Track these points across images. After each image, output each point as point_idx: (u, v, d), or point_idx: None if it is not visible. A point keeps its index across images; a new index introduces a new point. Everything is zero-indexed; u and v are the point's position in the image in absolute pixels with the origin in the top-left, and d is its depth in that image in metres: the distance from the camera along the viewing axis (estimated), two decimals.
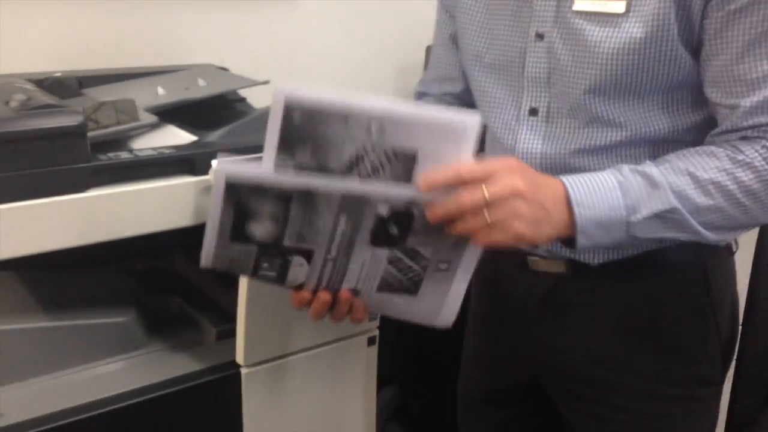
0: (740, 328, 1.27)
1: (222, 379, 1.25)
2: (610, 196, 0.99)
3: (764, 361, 2.49)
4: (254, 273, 1.01)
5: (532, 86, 1.14)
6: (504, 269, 1.26)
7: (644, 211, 0.99)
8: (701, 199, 0.99)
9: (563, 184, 1.00)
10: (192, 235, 1.25)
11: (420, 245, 0.98)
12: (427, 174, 0.93)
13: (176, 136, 1.30)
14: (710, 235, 1.02)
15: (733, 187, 0.99)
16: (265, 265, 0.99)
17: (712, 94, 1.04)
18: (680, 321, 1.17)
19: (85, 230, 1.15)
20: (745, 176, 0.99)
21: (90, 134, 1.17)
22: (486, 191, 0.92)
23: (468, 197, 0.92)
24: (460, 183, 0.93)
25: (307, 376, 1.32)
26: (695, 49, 1.03)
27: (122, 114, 1.23)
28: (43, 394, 1.20)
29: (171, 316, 1.42)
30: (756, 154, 0.99)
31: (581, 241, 1.00)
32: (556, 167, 1.13)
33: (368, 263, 0.99)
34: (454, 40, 1.29)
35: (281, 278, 1.01)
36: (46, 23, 1.67)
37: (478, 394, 1.40)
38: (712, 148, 1.03)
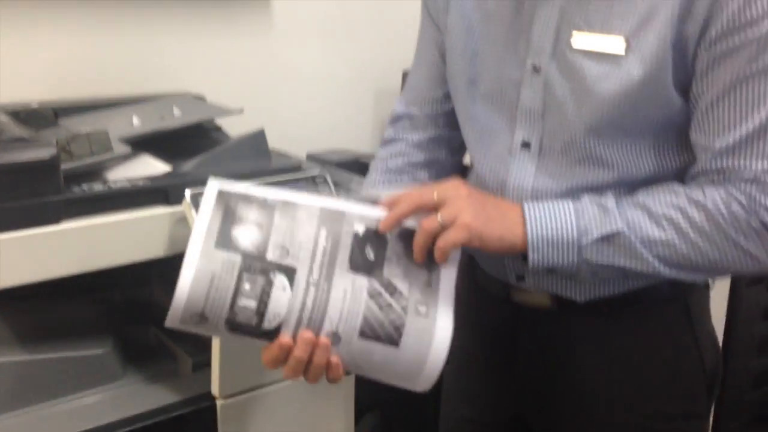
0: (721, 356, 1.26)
1: (197, 411, 1.25)
2: (563, 218, 1.02)
3: (745, 383, 2.49)
4: (233, 303, 0.97)
5: (526, 119, 1.11)
6: (487, 301, 1.23)
7: (594, 234, 1.01)
8: (653, 231, 1.00)
9: (521, 204, 1.04)
10: (169, 264, 1.25)
11: (396, 278, 1.00)
12: (384, 218, 1.01)
13: (151, 166, 1.31)
14: (666, 270, 1.02)
15: (684, 224, 1.00)
16: (247, 286, 0.96)
17: (693, 134, 1.04)
18: (666, 356, 1.16)
19: (59, 262, 1.15)
20: (697, 215, 1.00)
21: (64, 166, 1.17)
22: (435, 193, 1.00)
23: (416, 196, 1.00)
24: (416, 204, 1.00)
25: (284, 407, 1.32)
26: (686, 90, 1.03)
27: (96, 145, 1.23)
28: (18, 429, 1.19)
29: (147, 347, 1.41)
30: (716, 197, 0.99)
31: (533, 256, 1.02)
32: None
33: (349, 294, 0.99)
34: (444, 58, 1.24)
35: (260, 312, 0.97)
36: (24, 53, 1.67)
37: (463, 427, 1.37)
38: (675, 185, 1.04)
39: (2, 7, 1.62)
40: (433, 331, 1.00)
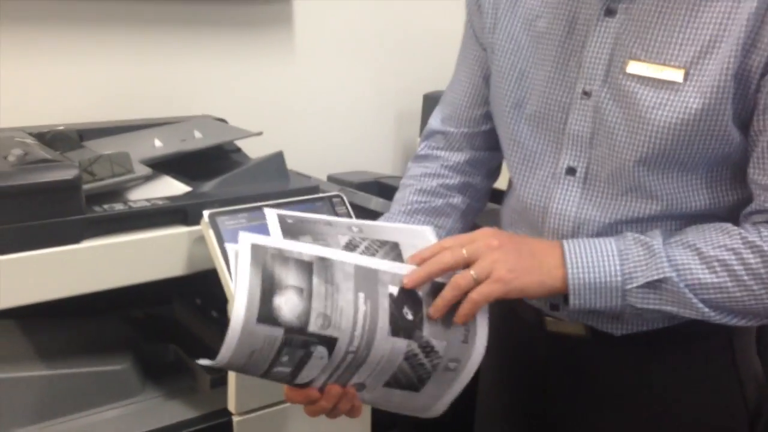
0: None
1: (214, 427, 1.26)
2: (607, 261, 0.99)
3: None
4: (269, 369, 0.95)
5: (573, 144, 1.07)
6: (521, 328, 1.21)
7: (640, 280, 0.98)
8: (704, 275, 0.96)
9: (560, 243, 1.01)
10: (189, 282, 1.28)
11: (435, 337, 0.98)
12: (410, 274, 0.97)
13: (171, 187, 1.33)
14: (713, 315, 0.98)
15: (738, 267, 0.95)
16: (285, 358, 0.94)
17: (751, 172, 0.99)
18: (706, 396, 1.11)
19: (80, 280, 1.17)
20: (753, 258, 0.95)
21: (86, 186, 1.20)
22: (465, 249, 0.97)
23: (448, 255, 0.97)
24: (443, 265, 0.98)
25: (300, 424, 1.33)
26: (746, 126, 0.98)
27: (118, 166, 1.26)
28: None
29: (167, 363, 1.44)
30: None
31: (574, 301, 0.99)
32: (588, 234, 1.07)
33: (386, 357, 0.97)
34: (487, 80, 1.21)
35: (294, 374, 0.97)
36: (52, 78, 1.72)
37: None
38: (728, 225, 0.99)
39: (31, 33, 1.67)
40: (456, 378, 1.01)
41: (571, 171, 1.08)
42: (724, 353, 1.11)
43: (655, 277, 0.97)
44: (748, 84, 0.95)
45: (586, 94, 1.05)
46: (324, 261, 0.96)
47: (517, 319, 1.19)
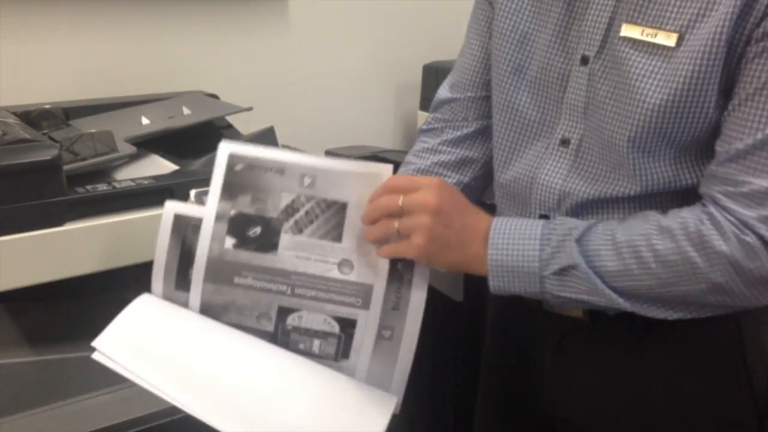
0: None
1: None
2: (527, 245, 0.97)
3: None
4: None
5: (570, 114, 1.04)
6: (520, 308, 1.16)
7: (553, 266, 0.96)
8: (611, 261, 0.94)
9: (489, 222, 0.99)
10: None
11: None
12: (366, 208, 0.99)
13: (158, 166, 1.30)
14: (625, 304, 0.95)
15: (646, 252, 0.93)
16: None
17: (720, 141, 0.94)
18: (708, 385, 1.06)
19: (64, 264, 1.15)
20: (662, 244, 0.92)
21: (68, 167, 1.17)
22: (401, 200, 0.96)
23: (384, 201, 0.97)
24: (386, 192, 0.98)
25: None
26: (726, 95, 0.94)
27: (101, 145, 1.23)
28: (29, 429, 1.19)
29: None
30: (687, 218, 0.92)
31: (493, 283, 0.98)
32: (571, 208, 1.04)
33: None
34: None
35: None
36: (39, 56, 1.68)
37: None
38: (652, 212, 0.97)
39: (18, 11, 1.63)
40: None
41: (564, 142, 1.05)
42: (730, 340, 1.06)
43: (565, 264, 0.95)
44: (740, 52, 0.91)
45: (584, 60, 1.02)
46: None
47: (516, 299, 1.16)
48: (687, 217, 0.93)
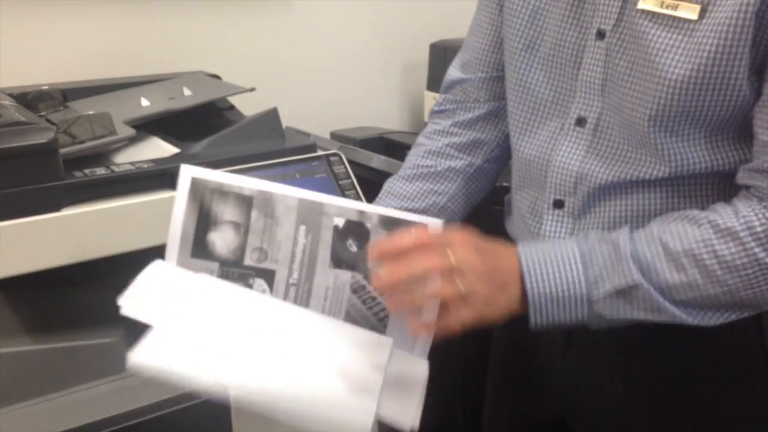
0: None
1: (211, 400, 1.21)
2: (568, 268, 0.91)
3: None
4: None
5: (585, 92, 0.99)
6: None
7: (606, 286, 0.90)
8: (671, 275, 0.88)
9: (516, 253, 0.92)
10: None
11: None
12: (379, 241, 0.91)
13: (158, 149, 1.27)
14: (688, 318, 0.90)
15: (710, 261, 0.87)
16: None
17: (756, 124, 0.90)
18: (727, 382, 1.02)
19: (62, 250, 1.12)
20: (727, 249, 0.86)
21: (64, 150, 1.14)
22: (452, 256, 0.86)
23: (436, 259, 0.86)
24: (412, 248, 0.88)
25: None
26: (762, 75, 0.88)
27: (99, 127, 1.19)
28: (29, 419, 1.17)
29: None
30: (750, 216, 0.86)
31: (535, 318, 0.92)
32: (588, 192, 1.00)
33: (331, 290, 0.96)
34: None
35: None
36: (38, 36, 1.65)
37: (505, 426, 1.29)
38: (695, 213, 0.91)
39: None
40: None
41: (581, 122, 1.00)
42: (751, 332, 1.01)
43: (623, 284, 0.89)
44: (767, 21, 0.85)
45: (600, 35, 0.97)
46: (265, 194, 0.96)
47: None
48: (748, 214, 0.87)
